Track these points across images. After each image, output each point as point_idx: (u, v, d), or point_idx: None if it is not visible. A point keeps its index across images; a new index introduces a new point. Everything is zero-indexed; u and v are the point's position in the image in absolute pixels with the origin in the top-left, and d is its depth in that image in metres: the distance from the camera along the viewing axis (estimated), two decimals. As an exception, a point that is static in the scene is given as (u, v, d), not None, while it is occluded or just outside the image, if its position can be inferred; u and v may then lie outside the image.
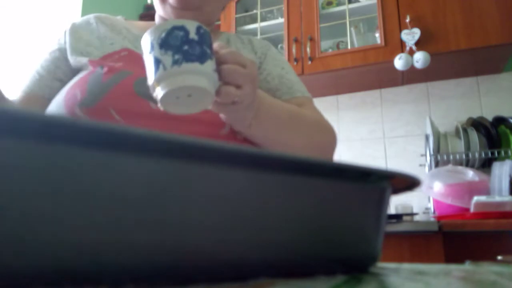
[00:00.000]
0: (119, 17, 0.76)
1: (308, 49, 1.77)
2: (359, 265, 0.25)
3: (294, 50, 1.79)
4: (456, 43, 1.58)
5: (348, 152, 1.97)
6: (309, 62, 1.76)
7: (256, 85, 0.49)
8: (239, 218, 0.20)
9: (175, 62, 0.41)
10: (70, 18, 1.80)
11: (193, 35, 0.42)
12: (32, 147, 0.15)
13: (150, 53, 0.42)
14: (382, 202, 0.25)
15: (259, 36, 1.96)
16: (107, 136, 0.16)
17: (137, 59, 0.58)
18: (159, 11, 0.72)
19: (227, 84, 0.45)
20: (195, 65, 0.41)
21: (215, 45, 0.47)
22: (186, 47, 0.41)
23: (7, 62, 1.70)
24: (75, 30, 0.69)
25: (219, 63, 0.45)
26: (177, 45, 0.41)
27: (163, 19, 0.72)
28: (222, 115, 0.52)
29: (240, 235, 0.20)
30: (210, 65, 0.42)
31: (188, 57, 0.41)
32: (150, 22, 0.77)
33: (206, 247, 0.19)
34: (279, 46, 1.97)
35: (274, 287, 0.18)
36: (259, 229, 0.20)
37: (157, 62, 0.41)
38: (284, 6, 1.90)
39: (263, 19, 2.01)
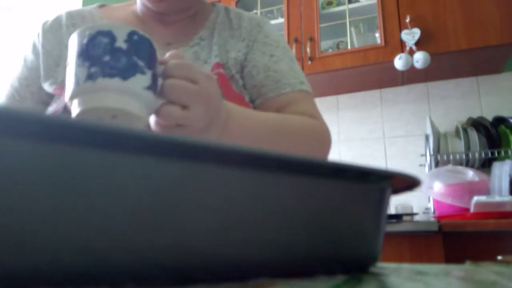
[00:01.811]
0: (94, 8, 0.69)
1: (308, 49, 1.77)
2: (359, 265, 0.25)
3: (294, 50, 1.79)
4: (456, 43, 1.58)
5: (348, 152, 1.97)
6: (309, 62, 1.76)
7: (213, 104, 0.40)
8: (239, 218, 0.20)
9: (90, 77, 0.33)
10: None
11: (120, 42, 0.34)
12: (32, 147, 0.15)
13: (68, 62, 0.35)
14: (382, 202, 0.25)
15: (259, 36, 1.95)
16: (108, 136, 0.16)
17: None
18: None
19: (171, 103, 0.37)
20: (115, 81, 0.33)
21: (168, 54, 0.39)
22: (107, 58, 0.33)
23: (6, 62, 1.70)
24: (47, 39, 0.65)
25: (164, 77, 0.37)
26: (97, 55, 0.33)
27: (144, 6, 0.66)
28: None
29: (240, 235, 0.20)
30: (139, 81, 0.34)
31: (106, 71, 0.33)
32: (130, 12, 0.69)
33: (206, 247, 0.19)
34: (279, 46, 1.97)
35: (274, 287, 0.18)
36: (259, 229, 0.20)
37: (72, 74, 0.34)
38: (284, 6, 1.90)
39: (263, 19, 2.00)
